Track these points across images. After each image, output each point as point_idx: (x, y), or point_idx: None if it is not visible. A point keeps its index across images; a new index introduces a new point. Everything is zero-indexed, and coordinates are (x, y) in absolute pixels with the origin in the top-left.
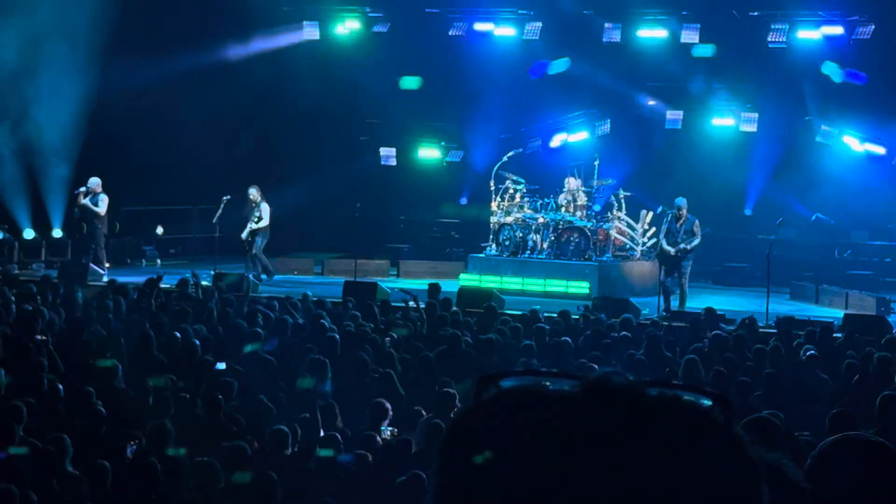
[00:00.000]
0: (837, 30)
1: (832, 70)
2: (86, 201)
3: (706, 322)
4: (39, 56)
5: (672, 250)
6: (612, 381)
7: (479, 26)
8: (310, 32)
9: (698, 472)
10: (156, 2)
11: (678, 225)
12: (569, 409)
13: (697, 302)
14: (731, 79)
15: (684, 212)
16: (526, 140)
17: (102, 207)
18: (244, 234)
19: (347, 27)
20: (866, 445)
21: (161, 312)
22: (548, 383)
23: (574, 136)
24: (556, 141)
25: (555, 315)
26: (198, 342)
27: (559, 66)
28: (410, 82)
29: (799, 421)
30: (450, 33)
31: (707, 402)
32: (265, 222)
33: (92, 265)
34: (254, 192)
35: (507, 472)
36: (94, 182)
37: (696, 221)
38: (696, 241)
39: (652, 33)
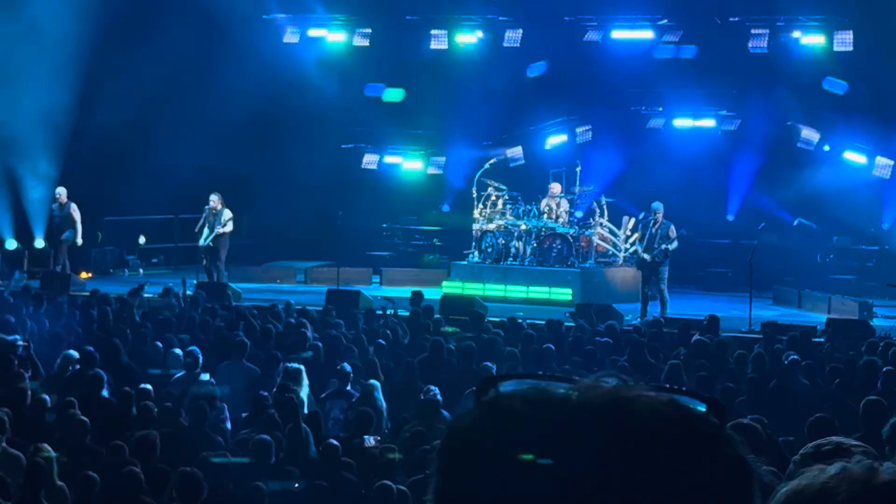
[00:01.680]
0: (819, 39)
1: (825, 81)
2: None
3: (708, 328)
4: (21, 63)
5: (648, 257)
6: (608, 384)
7: (461, 38)
8: (290, 37)
9: (693, 473)
10: (137, 11)
11: (654, 230)
12: (566, 411)
13: (680, 307)
14: (712, 84)
15: (660, 216)
16: (507, 147)
17: (78, 216)
18: (204, 241)
19: (330, 36)
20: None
21: (144, 322)
22: (546, 386)
23: (555, 142)
24: (538, 148)
25: (538, 322)
26: (180, 352)
27: (537, 69)
28: (393, 94)
29: (782, 426)
30: (431, 43)
31: (701, 406)
32: (230, 227)
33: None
34: (215, 199)
35: (505, 475)
36: (61, 192)
37: (672, 226)
38: (674, 246)
39: (633, 35)
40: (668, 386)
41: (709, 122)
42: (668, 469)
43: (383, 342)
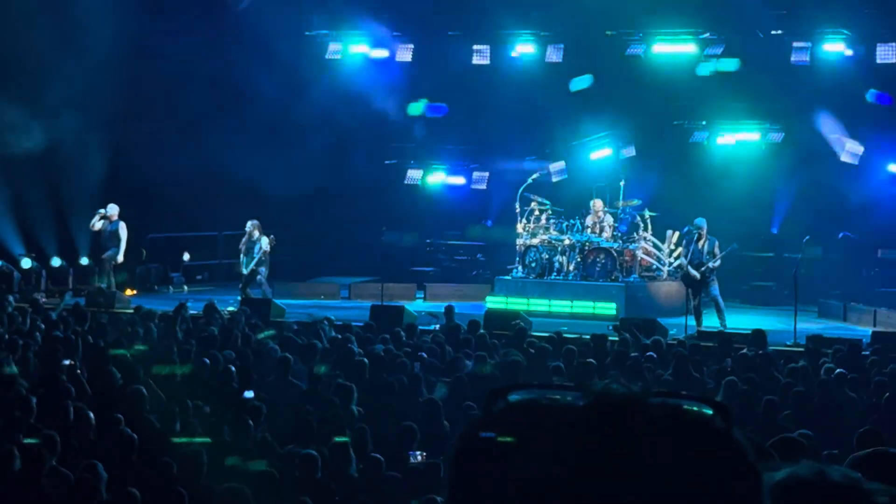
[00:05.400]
0: (861, 50)
1: (868, 94)
2: (107, 226)
3: (753, 343)
4: (67, 81)
5: (697, 274)
6: (615, 391)
7: (503, 53)
8: (333, 53)
9: (700, 477)
10: (179, 26)
11: (700, 246)
12: (574, 419)
13: (726, 321)
14: (756, 97)
15: (704, 232)
16: (550, 162)
17: (124, 235)
18: (247, 270)
19: (372, 52)
20: None
21: (189, 338)
22: (555, 396)
23: (599, 157)
24: (581, 163)
25: (584, 336)
26: (233, 368)
27: (582, 82)
28: (415, 108)
29: (828, 439)
30: (473, 58)
31: (708, 411)
32: (267, 252)
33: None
34: (251, 227)
35: (515, 483)
36: (113, 209)
37: (717, 242)
38: (719, 263)
39: (675, 49)
40: (673, 392)
41: (752, 136)
42: (675, 472)
43: (428, 357)
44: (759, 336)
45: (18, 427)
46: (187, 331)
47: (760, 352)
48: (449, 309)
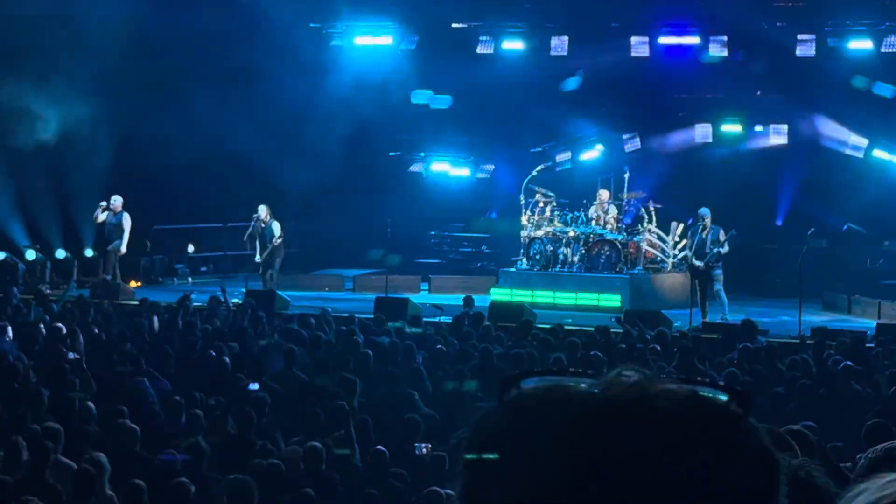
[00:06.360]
0: (866, 44)
1: (861, 83)
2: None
3: (743, 333)
4: (73, 71)
5: (701, 264)
6: (629, 377)
7: (507, 45)
8: (336, 44)
9: (717, 463)
10: (183, 15)
11: (703, 236)
12: (588, 406)
13: (731, 314)
14: (760, 90)
15: (708, 222)
16: (555, 154)
17: (128, 226)
18: (260, 258)
19: (375, 42)
20: None
21: (193, 330)
22: (569, 383)
23: (602, 148)
24: (586, 155)
25: (588, 328)
26: (228, 360)
27: (584, 81)
28: (440, 101)
29: (833, 432)
30: (477, 50)
31: (723, 397)
32: (280, 239)
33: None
34: (263, 212)
35: (529, 471)
36: (117, 200)
37: (721, 230)
38: (725, 249)
39: (679, 41)
40: (689, 378)
41: (756, 128)
42: (693, 460)
43: (442, 348)
44: (748, 326)
45: (25, 419)
46: (191, 323)
47: (764, 344)
48: (468, 300)
